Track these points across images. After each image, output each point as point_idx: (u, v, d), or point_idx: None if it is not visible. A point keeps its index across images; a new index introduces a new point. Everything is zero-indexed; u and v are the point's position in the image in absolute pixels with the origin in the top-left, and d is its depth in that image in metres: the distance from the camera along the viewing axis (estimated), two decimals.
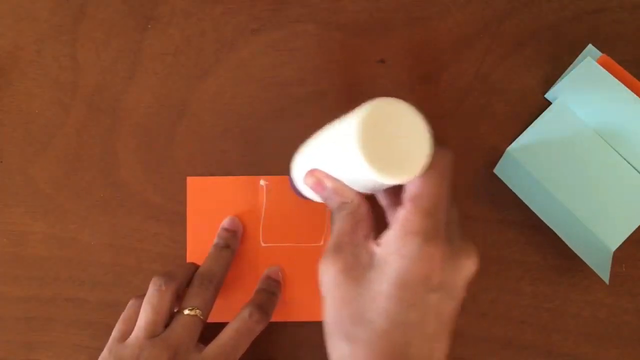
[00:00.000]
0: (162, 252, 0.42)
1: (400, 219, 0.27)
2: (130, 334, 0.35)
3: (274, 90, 0.43)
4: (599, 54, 0.43)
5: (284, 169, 0.42)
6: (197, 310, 0.35)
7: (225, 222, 0.41)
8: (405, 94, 0.43)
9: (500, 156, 0.42)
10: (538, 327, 0.42)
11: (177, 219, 0.42)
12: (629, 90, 0.40)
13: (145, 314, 0.35)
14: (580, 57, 0.43)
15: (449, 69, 0.43)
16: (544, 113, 0.42)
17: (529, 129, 0.42)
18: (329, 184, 0.30)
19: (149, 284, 0.36)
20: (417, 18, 0.44)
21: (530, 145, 0.42)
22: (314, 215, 0.42)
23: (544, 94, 0.43)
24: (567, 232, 0.39)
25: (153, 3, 0.44)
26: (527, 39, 0.43)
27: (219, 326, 0.36)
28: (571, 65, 0.43)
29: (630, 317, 0.41)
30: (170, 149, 0.43)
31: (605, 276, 0.38)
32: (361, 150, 0.25)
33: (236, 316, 0.37)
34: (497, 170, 0.41)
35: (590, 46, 0.43)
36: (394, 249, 0.27)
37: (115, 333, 0.36)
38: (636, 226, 0.40)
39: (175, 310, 0.36)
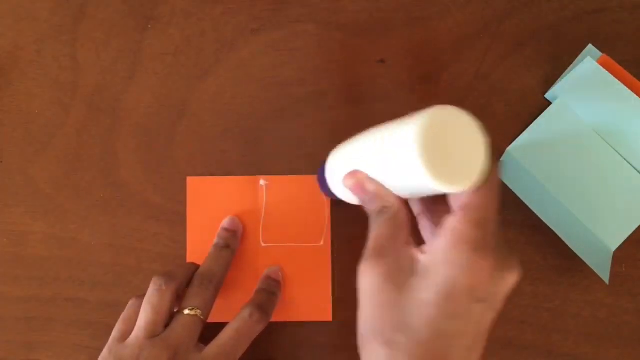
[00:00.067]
0: (162, 252, 0.42)
1: (449, 227, 0.27)
2: (130, 334, 0.35)
3: (274, 90, 0.43)
4: (599, 54, 0.43)
5: (284, 169, 0.42)
6: (198, 310, 0.35)
7: (225, 222, 0.41)
8: (405, 94, 0.43)
9: (500, 156, 0.42)
10: (538, 327, 0.42)
11: (177, 219, 0.42)
12: (629, 90, 0.40)
13: (145, 314, 0.35)
14: (580, 57, 0.43)
15: (449, 69, 0.43)
16: (544, 113, 0.42)
17: (529, 129, 0.42)
18: (371, 187, 0.30)
19: (149, 284, 0.36)
20: (417, 18, 0.44)
21: (530, 145, 0.42)
22: (314, 215, 0.42)
23: (544, 94, 0.43)
24: (567, 232, 0.39)
25: (153, 3, 0.44)
26: (527, 39, 0.43)
27: (219, 326, 0.36)
28: (571, 65, 0.43)
29: (630, 317, 0.41)
30: (170, 149, 0.43)
31: (605, 276, 0.38)
32: (421, 157, 0.24)
33: (236, 316, 0.37)
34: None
35: (590, 46, 0.43)
36: (442, 258, 0.27)
37: (115, 333, 0.36)
38: (636, 226, 0.40)
39: (175, 310, 0.36)
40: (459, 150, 0.25)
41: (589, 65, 0.41)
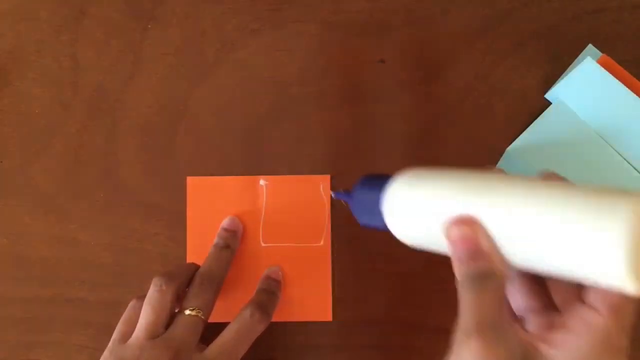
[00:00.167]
0: (162, 252, 0.42)
1: (594, 326, 0.23)
2: (131, 335, 0.35)
3: (274, 90, 0.43)
4: (599, 54, 0.43)
5: (284, 169, 0.42)
6: (198, 311, 0.35)
7: (225, 222, 0.41)
8: (405, 94, 0.43)
9: (500, 156, 0.42)
10: None
11: (177, 219, 0.42)
12: (629, 90, 0.40)
13: (146, 315, 0.35)
14: (580, 57, 0.43)
15: (449, 69, 0.43)
16: (544, 113, 0.42)
17: (529, 129, 0.42)
18: (485, 243, 0.25)
19: (149, 284, 0.36)
20: (417, 18, 0.44)
21: (530, 145, 0.42)
22: (314, 215, 0.42)
23: (544, 94, 0.43)
24: None
25: (153, 3, 0.44)
26: (527, 39, 0.43)
27: (220, 326, 0.36)
28: (571, 65, 0.43)
29: None
30: (170, 149, 0.43)
31: None
32: (627, 256, 0.21)
33: (237, 316, 0.37)
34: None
35: (590, 46, 0.43)
36: (582, 358, 0.23)
37: (116, 334, 0.36)
38: None
39: (176, 311, 0.36)
40: None
41: (589, 65, 0.41)
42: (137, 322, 0.35)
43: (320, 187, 0.42)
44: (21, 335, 0.41)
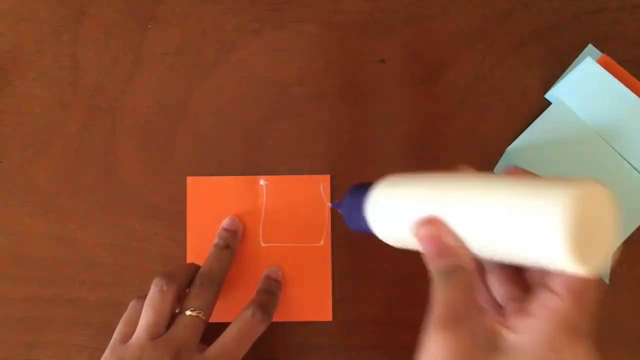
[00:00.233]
0: (162, 252, 0.42)
1: (554, 309, 0.24)
2: (131, 335, 0.35)
3: (274, 90, 0.43)
4: (599, 54, 0.43)
5: (284, 169, 0.42)
6: (199, 311, 0.35)
7: (225, 222, 0.41)
8: (405, 94, 0.43)
9: (500, 156, 0.42)
10: None
11: (177, 219, 0.42)
12: (629, 90, 0.40)
13: (146, 315, 0.35)
14: (580, 57, 0.43)
15: (449, 69, 0.43)
16: (544, 113, 0.42)
17: (529, 129, 0.42)
18: (450, 240, 0.26)
19: (149, 284, 0.36)
20: (417, 18, 0.44)
21: (530, 145, 0.42)
22: (314, 215, 0.42)
23: (544, 94, 0.43)
24: None
25: (153, 3, 0.44)
26: (527, 39, 0.43)
27: (221, 326, 0.36)
28: (571, 65, 0.43)
29: (630, 317, 0.41)
30: (170, 149, 0.43)
31: (605, 276, 0.38)
32: (568, 238, 0.22)
33: (238, 316, 0.37)
34: (497, 170, 0.42)
35: (590, 46, 0.43)
36: (542, 341, 0.24)
37: (116, 334, 0.36)
38: (636, 226, 0.40)
39: (176, 311, 0.36)
40: (596, 230, 0.23)
41: (589, 65, 0.41)
42: (137, 322, 0.35)
43: (320, 187, 0.42)
44: (21, 335, 0.41)
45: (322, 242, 0.42)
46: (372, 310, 0.42)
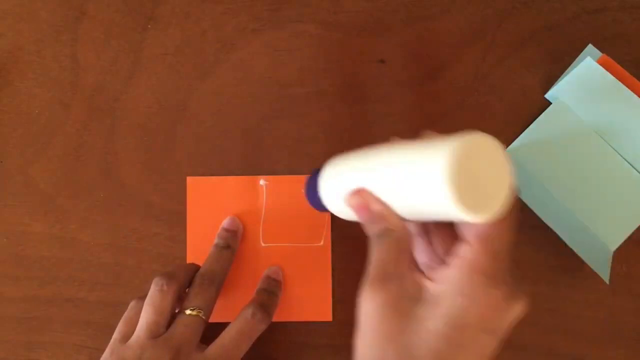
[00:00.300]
0: (162, 252, 0.42)
1: (464, 257, 0.26)
2: (131, 334, 0.35)
3: (274, 90, 0.43)
4: (599, 54, 0.43)
5: (284, 169, 0.42)
6: (199, 311, 0.35)
7: (225, 222, 0.41)
8: (405, 94, 0.43)
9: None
10: (538, 327, 0.42)
11: (177, 219, 0.42)
12: (629, 90, 0.40)
13: (146, 315, 0.35)
14: (580, 57, 0.43)
15: (449, 69, 0.43)
16: (544, 113, 0.42)
17: (529, 129, 0.42)
18: (376, 207, 0.28)
19: (149, 284, 0.36)
20: (417, 18, 0.44)
21: (530, 145, 0.42)
22: (314, 215, 0.42)
23: (544, 94, 0.43)
24: (567, 232, 0.39)
25: (153, 3, 0.44)
26: (527, 39, 0.43)
27: (221, 326, 0.36)
28: (571, 65, 0.43)
29: (630, 317, 0.41)
30: (170, 149, 0.43)
31: (605, 276, 0.38)
32: (451, 185, 0.23)
33: (238, 316, 0.37)
34: None
35: (590, 46, 0.43)
36: (456, 288, 0.26)
37: (116, 334, 0.36)
38: (636, 226, 0.40)
39: (176, 311, 0.36)
40: (486, 179, 0.24)
41: (589, 65, 0.41)
42: (137, 322, 0.35)
43: None
44: (21, 335, 0.41)
45: (322, 242, 0.42)
46: None
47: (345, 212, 0.32)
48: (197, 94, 0.43)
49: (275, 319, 0.39)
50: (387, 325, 0.27)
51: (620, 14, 0.43)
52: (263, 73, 0.43)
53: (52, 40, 0.43)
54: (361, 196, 0.29)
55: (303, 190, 0.37)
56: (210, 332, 0.36)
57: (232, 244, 0.40)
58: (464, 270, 0.26)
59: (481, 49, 0.43)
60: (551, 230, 0.39)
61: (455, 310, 0.26)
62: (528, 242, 0.42)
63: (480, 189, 0.24)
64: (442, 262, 0.29)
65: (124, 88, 0.43)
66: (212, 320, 0.36)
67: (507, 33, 0.43)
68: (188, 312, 0.35)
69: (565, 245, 0.39)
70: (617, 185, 0.41)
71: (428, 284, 0.27)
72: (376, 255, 0.28)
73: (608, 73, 0.40)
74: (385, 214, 0.28)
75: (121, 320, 0.36)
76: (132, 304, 0.37)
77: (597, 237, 0.40)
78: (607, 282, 0.38)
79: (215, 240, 0.40)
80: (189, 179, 0.42)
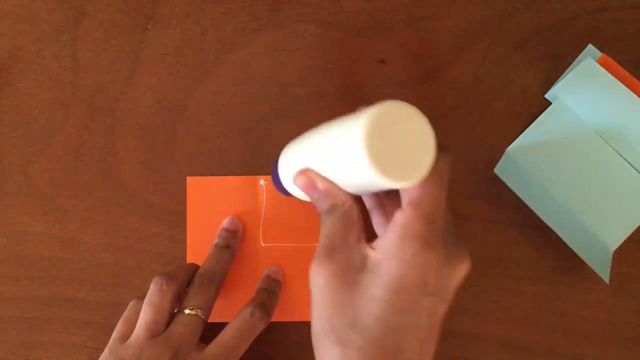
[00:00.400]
0: (162, 252, 0.42)
1: (399, 223, 0.27)
2: (130, 334, 0.35)
3: (274, 90, 0.43)
4: (599, 54, 0.43)
5: None
6: (198, 310, 0.35)
7: (225, 222, 0.41)
8: (405, 94, 0.43)
9: (500, 156, 0.42)
10: (538, 327, 0.42)
11: (177, 219, 0.42)
12: (629, 90, 0.40)
13: (145, 314, 0.35)
14: (580, 57, 0.43)
15: (449, 69, 0.43)
16: (544, 113, 0.42)
17: (529, 129, 0.42)
18: (321, 185, 0.29)
19: (149, 284, 0.36)
20: (417, 18, 0.44)
21: (530, 145, 0.42)
22: (314, 215, 0.42)
23: (544, 94, 0.43)
24: (567, 232, 0.39)
25: (153, 3, 0.44)
26: (527, 39, 0.43)
27: (220, 326, 0.36)
28: (571, 65, 0.43)
29: (630, 317, 0.41)
30: (170, 149, 0.43)
31: (605, 276, 0.38)
32: (368, 152, 0.24)
33: (237, 315, 0.37)
34: (497, 170, 0.41)
35: (590, 46, 0.43)
36: (391, 253, 0.27)
37: (115, 334, 0.36)
38: (636, 226, 0.40)
39: (176, 311, 0.36)
40: (406, 145, 0.25)
41: (589, 65, 0.41)
42: (136, 321, 0.35)
43: None
44: (21, 335, 0.41)
45: None
46: None
47: (300, 193, 0.33)
48: (197, 94, 0.43)
49: (275, 319, 0.39)
50: (334, 296, 0.28)
51: (620, 14, 0.43)
52: (263, 73, 0.43)
53: (52, 40, 0.43)
54: (306, 175, 0.30)
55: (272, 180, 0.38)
56: (210, 332, 0.36)
57: (232, 244, 0.40)
58: (398, 236, 0.27)
59: (481, 49, 0.43)
60: (551, 230, 0.39)
61: (393, 275, 0.27)
62: (528, 242, 0.42)
63: (401, 154, 0.25)
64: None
65: (124, 88, 0.43)
66: (211, 320, 0.36)
67: (507, 33, 0.43)
68: (187, 311, 0.35)
69: (565, 245, 0.39)
70: (617, 185, 0.41)
71: (370, 252, 0.28)
72: (324, 230, 0.29)
73: (608, 73, 0.40)
74: (331, 190, 0.29)
75: (120, 320, 0.36)
76: (132, 303, 0.37)
77: (597, 237, 0.40)
78: (607, 282, 0.38)
79: (215, 240, 0.41)
80: (189, 179, 0.42)
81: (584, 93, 0.41)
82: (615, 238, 0.40)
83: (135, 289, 0.42)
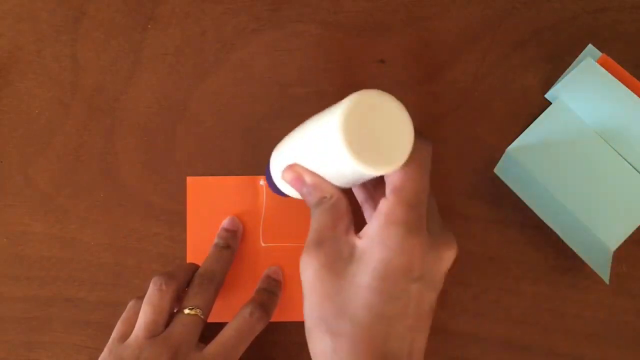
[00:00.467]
0: (162, 252, 0.42)
1: (382, 210, 0.27)
2: (130, 334, 0.35)
3: (274, 90, 0.43)
4: (599, 54, 0.43)
5: None
6: (198, 310, 0.35)
7: (225, 222, 0.41)
8: (405, 94, 0.43)
9: (500, 156, 0.42)
10: (538, 327, 0.42)
11: (177, 219, 0.42)
12: (629, 90, 0.40)
13: (145, 314, 0.35)
14: (580, 57, 0.43)
15: (449, 69, 0.43)
16: (544, 113, 0.42)
17: (529, 129, 0.42)
18: (308, 179, 0.30)
19: (149, 284, 0.36)
20: (417, 18, 0.44)
21: (530, 145, 0.42)
22: None
23: (544, 94, 0.43)
24: (567, 232, 0.39)
25: (153, 3, 0.44)
26: (527, 39, 0.43)
27: (220, 326, 0.36)
28: (571, 65, 0.43)
29: (630, 317, 0.41)
30: (170, 149, 0.43)
31: (605, 276, 0.38)
32: (345, 141, 0.25)
33: (237, 315, 0.37)
34: (497, 170, 0.41)
35: (590, 46, 0.43)
36: (376, 240, 0.27)
37: (115, 333, 0.36)
38: (636, 226, 0.40)
39: (175, 310, 0.36)
40: (384, 133, 0.26)
41: (589, 65, 0.41)
42: (136, 321, 0.35)
43: None
44: (21, 335, 0.41)
45: None
46: None
47: (294, 191, 0.33)
48: (197, 94, 0.43)
49: (275, 319, 0.39)
50: (323, 287, 0.28)
51: (620, 14, 0.43)
52: (263, 73, 0.43)
53: (52, 40, 0.43)
54: (293, 170, 0.30)
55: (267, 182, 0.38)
56: (210, 331, 0.36)
57: (232, 243, 0.40)
58: (382, 223, 0.27)
59: (481, 49, 0.43)
60: (551, 230, 0.39)
61: (378, 262, 0.27)
62: (528, 242, 0.42)
63: (380, 141, 0.26)
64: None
65: (124, 88, 0.43)
66: (211, 320, 0.36)
67: (507, 33, 0.43)
68: (187, 311, 0.35)
69: (565, 245, 0.39)
70: (617, 185, 0.41)
71: (357, 242, 0.28)
72: (313, 223, 0.30)
73: (608, 73, 0.40)
74: (318, 183, 0.30)
75: (120, 320, 0.36)
76: (131, 303, 0.37)
77: (597, 237, 0.40)
78: (607, 282, 0.38)
79: (215, 240, 0.40)
80: (189, 179, 0.42)
81: (584, 93, 0.41)
82: (615, 238, 0.40)
83: (135, 289, 0.42)
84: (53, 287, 0.42)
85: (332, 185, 0.30)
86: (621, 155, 0.41)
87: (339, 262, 0.28)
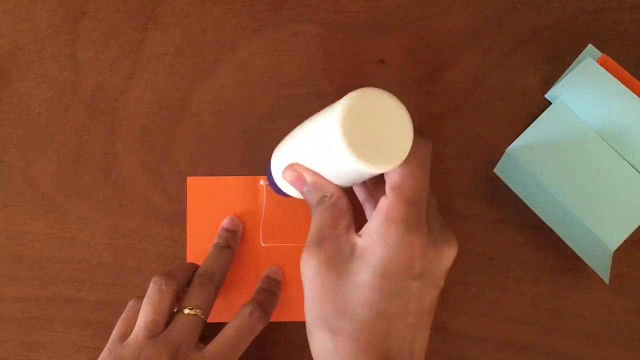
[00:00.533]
0: (162, 252, 0.42)
1: (382, 208, 0.28)
2: (130, 334, 0.35)
3: (274, 90, 0.43)
4: (599, 54, 0.43)
5: None
6: (198, 310, 0.35)
7: (225, 222, 0.41)
8: (405, 94, 0.43)
9: (500, 156, 0.42)
10: (538, 327, 0.42)
11: (177, 219, 0.42)
12: (629, 90, 0.40)
13: (145, 314, 0.35)
14: (580, 57, 0.43)
15: (449, 69, 0.43)
16: (544, 113, 0.42)
17: (529, 129, 0.42)
18: (308, 178, 0.30)
19: (149, 284, 0.36)
20: (417, 18, 0.44)
21: (530, 145, 0.42)
22: None
23: (544, 94, 0.43)
24: (567, 232, 0.39)
25: (153, 3, 0.44)
26: (527, 39, 0.43)
27: (219, 326, 0.36)
28: (571, 65, 0.43)
29: (630, 317, 0.41)
30: (170, 149, 0.43)
31: (605, 276, 0.38)
32: (344, 139, 0.25)
33: (237, 315, 0.37)
34: (497, 170, 0.41)
35: (590, 46, 0.43)
36: (376, 238, 0.27)
37: (115, 333, 0.36)
38: (636, 226, 0.40)
39: (175, 310, 0.36)
40: (383, 131, 0.26)
41: (589, 65, 0.41)
42: (136, 321, 0.35)
43: None
44: (21, 335, 0.41)
45: None
46: None
47: (293, 190, 0.33)
48: (197, 94, 0.43)
49: (275, 319, 0.39)
50: (324, 285, 0.28)
51: (620, 14, 0.43)
52: (263, 73, 0.43)
53: (52, 40, 0.43)
54: (293, 169, 0.31)
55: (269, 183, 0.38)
56: (210, 331, 0.36)
57: (232, 243, 0.40)
58: (382, 221, 0.27)
59: (481, 49, 0.43)
60: (551, 230, 0.39)
61: (379, 259, 0.27)
62: (528, 242, 0.42)
63: (379, 139, 0.26)
64: None
65: (124, 88, 0.43)
66: (211, 320, 0.36)
67: (507, 33, 0.43)
68: (187, 311, 0.35)
69: (565, 245, 0.39)
70: (617, 185, 0.41)
71: (358, 240, 0.28)
72: (314, 222, 0.30)
73: (608, 73, 0.40)
74: (319, 182, 0.30)
75: (119, 320, 0.36)
76: (131, 303, 0.37)
77: (597, 237, 0.40)
78: (607, 282, 0.38)
79: (215, 240, 0.41)
80: (189, 179, 0.42)
81: (584, 93, 0.41)
82: (615, 238, 0.40)
83: (135, 289, 0.42)
84: (53, 287, 0.42)
85: (333, 184, 0.30)
86: (621, 155, 0.41)
87: (339, 260, 0.28)
